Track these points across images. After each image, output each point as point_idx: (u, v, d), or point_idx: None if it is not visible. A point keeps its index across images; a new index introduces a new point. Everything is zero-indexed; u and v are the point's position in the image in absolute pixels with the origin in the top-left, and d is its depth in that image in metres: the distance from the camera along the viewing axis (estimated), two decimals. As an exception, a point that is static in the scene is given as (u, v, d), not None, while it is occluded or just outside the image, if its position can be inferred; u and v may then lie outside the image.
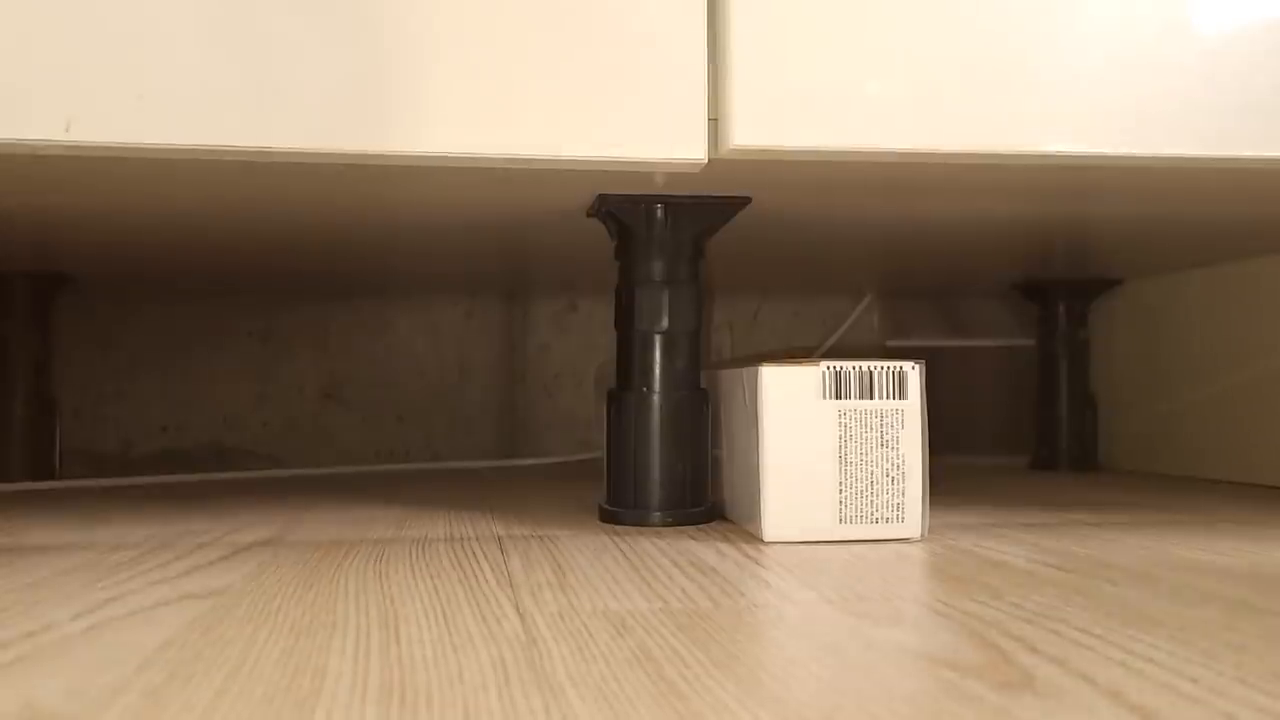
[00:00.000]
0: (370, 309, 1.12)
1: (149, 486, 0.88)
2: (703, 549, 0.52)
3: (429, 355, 1.13)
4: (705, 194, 0.61)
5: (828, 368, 0.54)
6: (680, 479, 0.61)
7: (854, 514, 0.54)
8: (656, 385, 0.61)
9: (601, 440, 0.64)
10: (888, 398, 0.54)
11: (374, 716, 0.27)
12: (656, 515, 0.61)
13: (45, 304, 0.97)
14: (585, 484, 0.84)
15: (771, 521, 0.54)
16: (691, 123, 0.51)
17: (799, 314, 1.18)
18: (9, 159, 0.49)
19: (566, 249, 0.81)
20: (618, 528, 0.60)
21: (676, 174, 0.54)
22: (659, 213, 0.62)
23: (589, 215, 0.64)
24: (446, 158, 0.50)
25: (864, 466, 0.54)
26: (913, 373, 0.54)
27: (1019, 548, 0.52)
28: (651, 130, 0.51)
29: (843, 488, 0.54)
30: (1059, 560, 0.48)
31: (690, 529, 0.60)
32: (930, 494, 0.54)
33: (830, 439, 0.54)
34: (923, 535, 0.54)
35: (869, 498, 0.54)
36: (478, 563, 0.49)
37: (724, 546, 0.53)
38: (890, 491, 0.54)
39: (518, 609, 0.39)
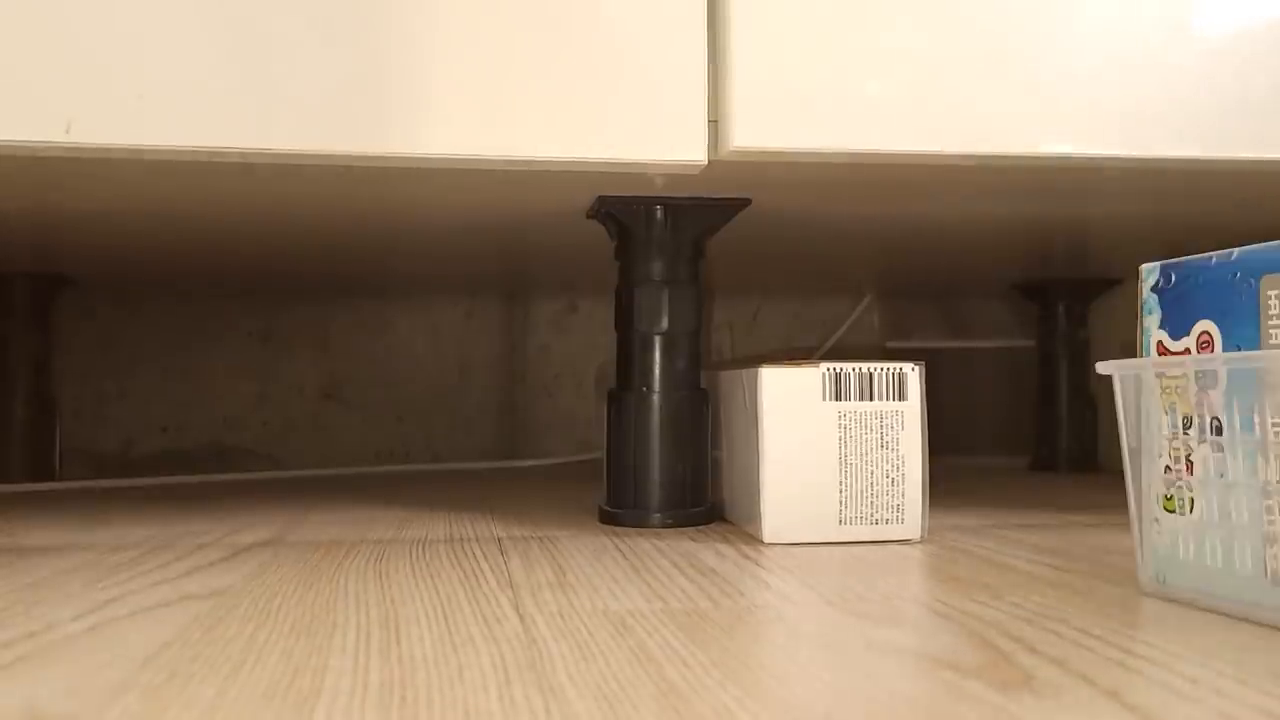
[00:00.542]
0: (370, 309, 1.12)
1: (149, 487, 0.88)
2: (702, 550, 0.52)
3: (429, 356, 1.13)
4: (705, 195, 0.61)
5: (828, 369, 0.54)
6: (680, 480, 0.61)
7: (854, 515, 0.54)
8: (656, 386, 0.61)
9: (601, 441, 0.64)
10: (888, 399, 0.54)
11: (374, 716, 0.27)
12: (656, 516, 0.61)
13: (45, 304, 0.97)
14: (585, 484, 0.84)
15: (771, 522, 0.54)
16: (691, 124, 0.51)
17: (799, 315, 1.18)
18: (9, 159, 0.49)
19: (566, 250, 0.81)
20: (617, 528, 0.60)
21: (676, 175, 0.54)
22: (659, 214, 0.62)
23: (589, 216, 0.64)
24: (446, 159, 0.50)
25: (864, 467, 0.54)
26: (913, 374, 0.54)
27: (1019, 548, 0.52)
28: (651, 132, 0.51)
29: (842, 489, 0.54)
30: (1059, 560, 0.49)
31: (690, 530, 0.60)
32: (930, 494, 0.54)
33: (830, 440, 0.54)
34: (922, 536, 0.54)
35: (869, 499, 0.54)
36: (478, 563, 0.49)
37: (724, 547, 0.53)
38: (890, 492, 0.54)
39: (518, 609, 0.39)
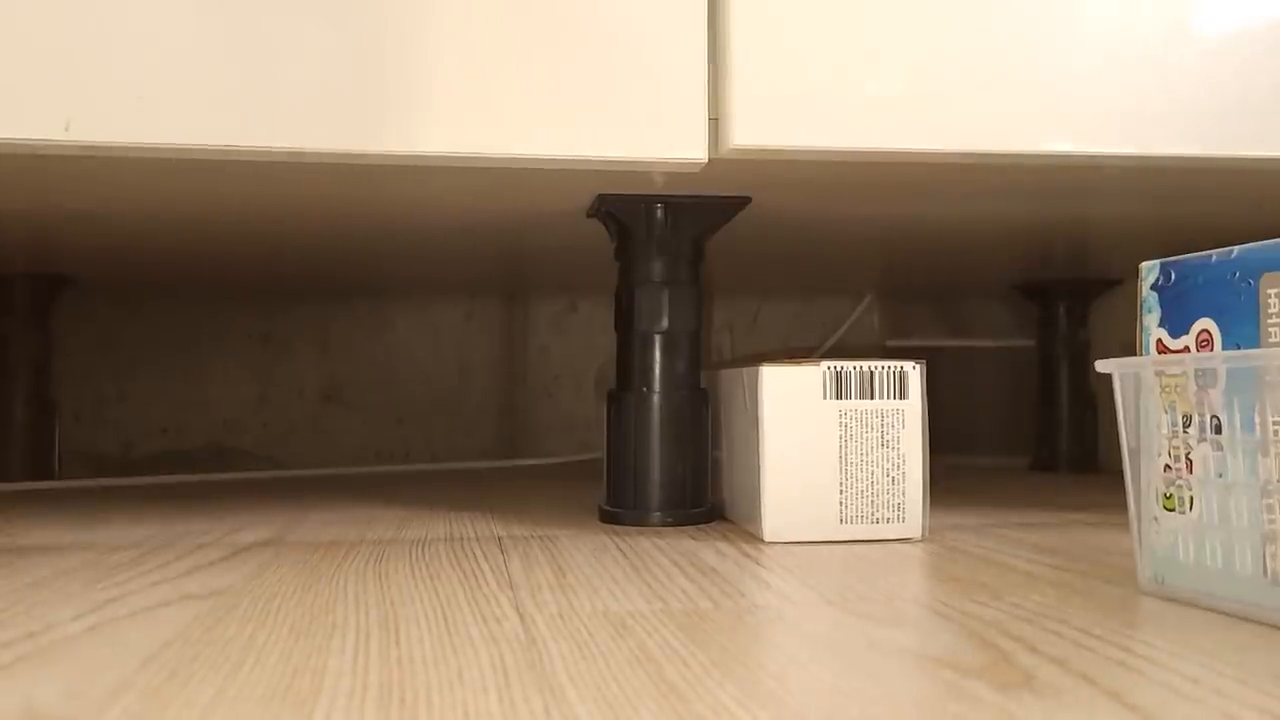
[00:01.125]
0: (370, 310, 1.12)
1: (149, 487, 0.88)
2: (703, 549, 0.52)
3: (429, 356, 1.13)
4: (705, 194, 0.61)
5: (828, 368, 0.54)
6: (680, 479, 0.61)
7: (854, 514, 0.54)
8: (656, 386, 0.61)
9: (601, 441, 0.64)
10: (888, 398, 0.54)
11: (374, 717, 0.27)
12: (656, 516, 0.61)
13: (45, 305, 0.97)
14: (585, 484, 0.84)
15: (771, 522, 0.54)
16: (691, 122, 0.51)
17: (799, 315, 1.18)
18: (9, 159, 0.49)
19: (566, 250, 0.81)
20: (618, 528, 0.60)
21: (676, 174, 0.54)
22: (659, 213, 0.62)
23: (589, 216, 0.64)
24: (445, 157, 0.50)
25: (864, 466, 0.54)
26: (913, 373, 0.54)
27: (1019, 548, 0.52)
28: (651, 130, 0.51)
29: (843, 488, 0.54)
30: (1059, 560, 0.48)
31: (690, 529, 0.59)
32: (930, 494, 0.54)
33: (831, 439, 0.54)
34: (923, 535, 0.54)
35: (869, 498, 0.54)
36: (478, 563, 0.49)
37: (724, 547, 0.53)
38: (890, 491, 0.54)
39: (518, 609, 0.39)
